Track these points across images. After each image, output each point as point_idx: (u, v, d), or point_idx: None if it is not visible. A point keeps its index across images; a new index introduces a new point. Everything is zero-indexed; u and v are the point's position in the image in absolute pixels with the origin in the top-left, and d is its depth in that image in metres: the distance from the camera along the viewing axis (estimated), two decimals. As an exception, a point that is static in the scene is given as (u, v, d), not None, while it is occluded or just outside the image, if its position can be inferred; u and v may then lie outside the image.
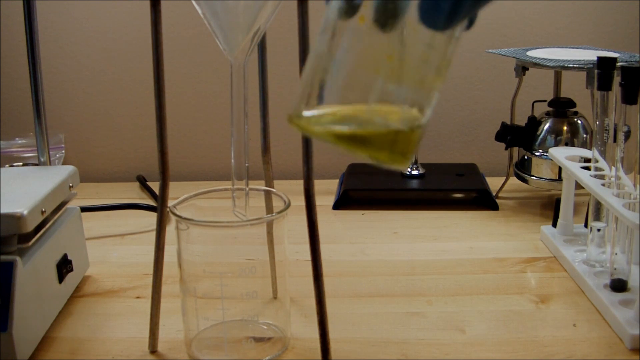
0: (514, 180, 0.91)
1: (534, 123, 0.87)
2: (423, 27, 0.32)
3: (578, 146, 0.85)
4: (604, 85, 0.63)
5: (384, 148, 0.34)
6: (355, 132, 0.34)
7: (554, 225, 0.76)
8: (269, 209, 0.58)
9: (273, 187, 0.59)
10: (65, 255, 0.63)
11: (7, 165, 0.93)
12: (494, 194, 0.91)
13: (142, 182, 1.01)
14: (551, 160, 0.80)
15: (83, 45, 1.03)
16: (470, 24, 0.34)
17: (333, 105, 0.35)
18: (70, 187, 0.64)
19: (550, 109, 0.87)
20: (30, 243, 0.56)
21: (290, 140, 1.06)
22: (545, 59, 0.83)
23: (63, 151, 1.05)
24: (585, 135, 0.85)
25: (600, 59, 0.63)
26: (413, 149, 0.35)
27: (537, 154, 0.86)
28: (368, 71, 0.34)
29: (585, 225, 0.73)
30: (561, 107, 0.86)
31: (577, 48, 0.92)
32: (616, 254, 0.61)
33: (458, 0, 0.32)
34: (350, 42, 0.34)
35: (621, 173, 0.63)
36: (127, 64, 1.04)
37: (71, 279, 0.65)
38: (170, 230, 0.54)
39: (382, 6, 0.33)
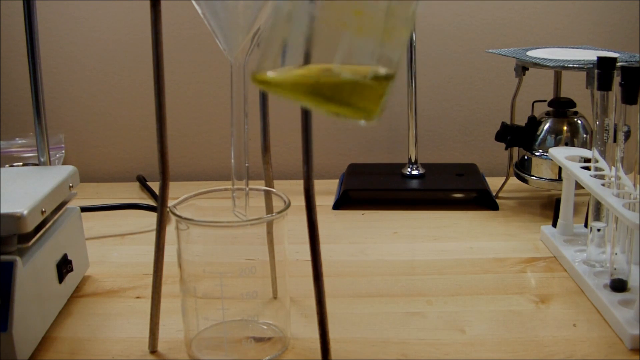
0: (514, 180, 0.91)
1: (534, 123, 0.87)
2: None
3: (578, 146, 0.85)
4: (604, 85, 0.63)
5: (347, 101, 0.33)
6: (316, 82, 0.33)
7: (554, 225, 0.76)
8: (269, 209, 0.58)
9: (273, 187, 0.59)
10: (65, 255, 0.63)
11: (7, 165, 0.93)
12: (494, 194, 0.91)
13: (142, 182, 1.01)
14: (551, 160, 0.80)
15: (83, 45, 1.04)
16: None
17: (297, 65, 0.34)
18: (70, 187, 0.64)
19: (550, 109, 0.87)
20: (30, 243, 0.56)
21: (290, 140, 1.06)
22: (545, 59, 0.83)
23: (63, 151, 1.05)
24: (585, 135, 0.85)
25: (600, 59, 0.63)
26: (378, 103, 0.34)
27: (537, 154, 0.86)
28: (334, 28, 0.33)
29: (585, 225, 0.73)
30: (561, 107, 0.86)
31: (577, 48, 0.92)
32: (616, 254, 0.61)
33: None
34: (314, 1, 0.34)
35: (621, 173, 0.63)
36: (127, 63, 1.04)
37: (71, 279, 0.65)
38: (170, 230, 0.54)
39: None
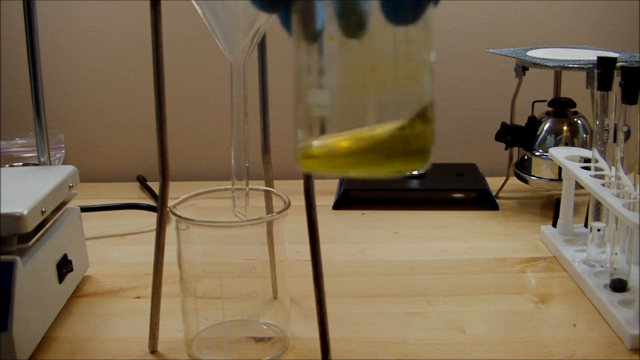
0: (514, 180, 0.91)
1: (534, 123, 0.87)
2: (393, 27, 0.30)
3: (578, 146, 0.85)
4: (604, 85, 0.63)
5: (398, 152, 0.32)
6: (361, 145, 0.32)
7: (554, 225, 0.76)
8: (269, 209, 0.58)
9: (273, 187, 0.59)
10: (65, 255, 0.63)
11: (7, 165, 0.93)
12: (494, 194, 0.91)
13: (142, 182, 1.01)
14: (551, 160, 0.80)
15: (83, 45, 1.04)
16: None
17: (335, 135, 0.33)
18: (70, 187, 0.64)
19: (550, 109, 0.87)
20: (30, 243, 0.56)
21: (290, 140, 1.05)
22: (545, 59, 0.83)
23: (63, 151, 1.05)
24: (585, 135, 0.85)
25: (600, 59, 0.63)
26: (430, 139, 0.32)
27: (537, 154, 0.86)
28: (357, 90, 0.32)
29: (585, 225, 0.73)
30: (561, 107, 0.86)
31: (577, 48, 0.92)
32: (616, 254, 0.61)
33: None
34: (329, 66, 0.33)
35: (621, 173, 0.63)
36: (127, 64, 1.04)
37: (71, 279, 0.65)
38: (170, 230, 0.54)
39: (345, 21, 0.31)
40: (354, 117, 0.32)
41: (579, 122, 0.86)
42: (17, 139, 1.03)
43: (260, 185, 0.58)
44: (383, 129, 0.31)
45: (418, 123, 0.32)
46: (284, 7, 0.33)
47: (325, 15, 0.31)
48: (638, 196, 0.59)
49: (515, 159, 0.91)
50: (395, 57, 0.31)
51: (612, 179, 0.64)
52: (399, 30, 0.30)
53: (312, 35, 0.32)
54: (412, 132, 0.31)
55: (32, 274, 0.55)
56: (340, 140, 0.32)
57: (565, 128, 0.86)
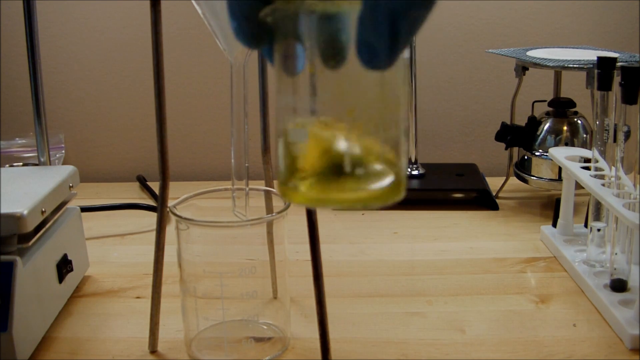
0: (514, 180, 0.91)
1: (534, 123, 0.87)
2: (367, 71, 0.31)
3: (578, 146, 0.85)
4: (604, 85, 0.63)
5: (377, 199, 0.33)
6: (343, 199, 0.33)
7: (554, 225, 0.76)
8: (269, 209, 0.58)
9: (273, 187, 0.59)
10: (65, 255, 0.63)
11: (7, 165, 0.93)
12: (494, 194, 0.91)
13: (142, 182, 1.01)
14: (551, 160, 0.80)
15: (83, 45, 1.04)
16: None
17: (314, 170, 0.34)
18: (70, 187, 0.64)
19: (550, 109, 0.87)
20: (30, 243, 0.56)
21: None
22: (545, 59, 0.83)
23: (63, 151, 1.05)
24: (585, 135, 0.85)
25: (600, 59, 0.63)
26: (404, 171, 0.34)
27: (537, 154, 0.86)
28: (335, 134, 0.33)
29: (585, 225, 0.73)
30: (561, 107, 0.86)
31: (577, 48, 0.92)
32: (616, 254, 0.61)
33: (394, 37, 0.30)
34: (308, 104, 0.34)
35: (621, 173, 0.63)
36: (127, 64, 1.04)
37: (71, 279, 0.65)
38: (170, 230, 0.54)
39: (324, 57, 0.32)
40: (331, 153, 0.33)
41: (579, 122, 0.86)
42: (17, 139, 1.03)
43: (260, 185, 0.58)
44: (358, 168, 0.33)
45: (391, 158, 0.33)
46: (267, 43, 0.34)
47: (305, 54, 0.32)
48: (638, 196, 0.59)
49: (515, 159, 0.91)
50: (371, 99, 0.33)
51: (612, 179, 0.64)
52: (374, 74, 0.31)
53: (292, 72, 0.33)
54: (386, 169, 0.33)
55: (32, 274, 0.55)
56: (319, 181, 0.33)
57: (565, 128, 0.86)
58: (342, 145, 0.33)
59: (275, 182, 0.61)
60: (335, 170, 0.33)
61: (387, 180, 0.33)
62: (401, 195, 0.34)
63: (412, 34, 0.30)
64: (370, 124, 0.33)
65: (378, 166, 0.33)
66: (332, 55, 0.32)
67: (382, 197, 0.33)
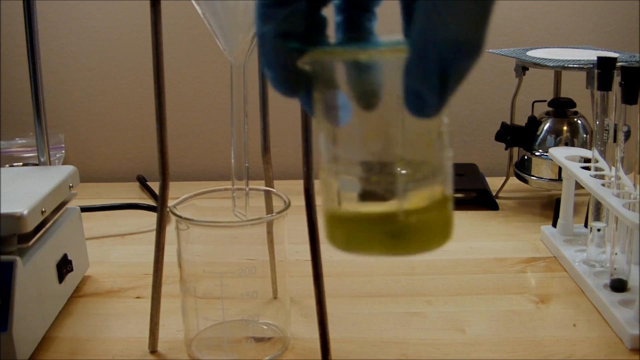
0: (514, 180, 0.91)
1: (534, 123, 0.87)
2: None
3: (578, 146, 0.85)
4: (604, 85, 0.63)
5: (420, 237, 0.33)
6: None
7: (554, 225, 0.76)
8: (269, 209, 0.58)
9: (273, 187, 0.59)
10: (65, 255, 0.63)
11: (7, 165, 0.93)
12: (494, 194, 0.91)
13: (142, 182, 1.01)
14: (551, 160, 0.80)
15: (83, 45, 1.03)
16: None
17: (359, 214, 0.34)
18: (70, 187, 0.64)
19: (550, 109, 0.87)
20: (30, 243, 0.56)
21: (290, 140, 1.06)
22: (545, 59, 0.82)
23: (63, 151, 1.05)
24: (585, 135, 0.85)
25: (600, 59, 0.63)
26: (451, 217, 0.33)
27: (537, 154, 0.86)
28: (378, 173, 0.33)
29: (585, 225, 0.73)
30: (561, 107, 0.86)
31: (577, 48, 0.92)
32: (616, 254, 0.61)
33: (442, 87, 0.29)
34: (350, 150, 0.33)
35: (621, 173, 0.63)
36: (127, 64, 1.04)
37: (71, 279, 0.65)
38: (170, 230, 0.54)
39: (370, 101, 0.32)
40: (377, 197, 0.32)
41: (579, 122, 0.86)
42: (17, 139, 1.03)
43: (260, 185, 0.58)
44: (404, 214, 0.32)
45: (440, 201, 0.32)
46: (305, 90, 0.33)
47: (350, 104, 0.32)
48: (638, 196, 0.59)
49: (515, 159, 0.91)
50: (420, 146, 0.32)
51: (612, 179, 0.64)
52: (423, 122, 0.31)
53: (337, 122, 0.33)
54: (432, 217, 0.32)
55: (32, 274, 0.55)
56: (365, 226, 0.33)
57: (565, 128, 0.86)
58: (392, 194, 0.32)
59: (274, 183, 0.61)
60: (387, 219, 0.32)
61: (437, 226, 0.33)
62: (449, 239, 0.33)
63: (459, 83, 0.30)
64: (418, 171, 0.32)
65: (427, 212, 0.32)
66: (377, 104, 0.31)
67: (432, 245, 0.33)
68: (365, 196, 0.32)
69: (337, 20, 0.34)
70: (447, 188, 0.33)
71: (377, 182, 0.32)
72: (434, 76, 0.29)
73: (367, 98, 0.32)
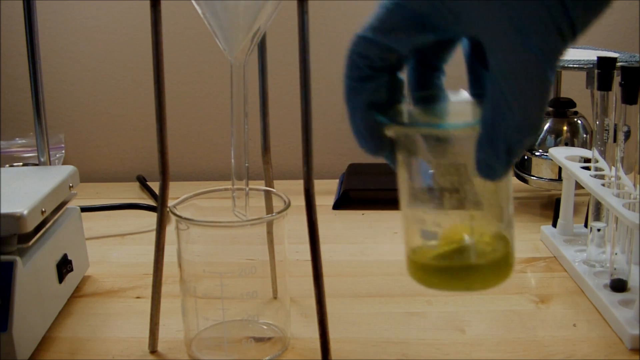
0: (514, 180, 0.90)
1: (534, 123, 0.87)
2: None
3: (578, 146, 0.85)
4: (604, 85, 0.63)
5: (489, 278, 0.40)
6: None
7: (554, 225, 0.76)
8: (269, 209, 0.58)
9: (273, 187, 0.59)
10: (65, 255, 0.63)
11: (7, 165, 0.93)
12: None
13: (142, 182, 1.01)
14: (551, 160, 0.80)
15: (83, 45, 1.04)
16: None
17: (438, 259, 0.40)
18: (70, 187, 0.64)
19: (550, 109, 0.87)
20: (30, 243, 0.56)
21: (290, 140, 1.06)
22: (545, 59, 0.82)
23: (63, 151, 1.05)
24: (585, 135, 0.85)
25: (600, 59, 0.63)
26: (513, 257, 0.39)
27: (537, 154, 0.86)
28: (458, 230, 0.39)
29: (585, 225, 0.73)
30: (561, 107, 0.86)
31: (577, 48, 0.92)
32: (616, 254, 0.61)
33: (507, 158, 0.35)
34: (433, 210, 0.38)
35: (621, 173, 0.63)
36: (127, 64, 1.04)
37: (71, 279, 0.65)
38: (170, 230, 0.54)
39: (447, 168, 0.37)
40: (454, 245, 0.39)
41: (579, 122, 0.86)
42: (17, 139, 1.03)
43: (260, 185, 0.58)
44: (476, 258, 0.39)
45: (505, 244, 0.39)
46: (388, 152, 0.39)
47: (429, 170, 0.37)
48: (638, 196, 0.59)
49: (515, 159, 0.91)
50: (489, 204, 0.38)
51: (612, 179, 0.64)
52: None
53: (419, 184, 0.38)
54: (498, 257, 0.39)
55: (32, 274, 0.55)
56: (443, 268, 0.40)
57: (565, 128, 0.86)
58: (466, 242, 0.38)
59: (274, 183, 0.61)
60: (461, 262, 0.38)
61: (503, 265, 0.39)
62: (511, 275, 0.40)
63: (521, 153, 0.35)
64: (487, 221, 0.38)
65: (495, 254, 0.38)
66: (453, 171, 0.37)
67: (498, 281, 0.40)
68: (442, 243, 0.38)
69: (410, 78, 0.39)
70: (510, 233, 0.38)
71: (452, 231, 0.38)
72: (502, 151, 0.34)
73: (447, 166, 0.37)
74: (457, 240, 0.38)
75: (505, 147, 0.34)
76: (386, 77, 0.37)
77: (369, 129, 0.38)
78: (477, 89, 0.37)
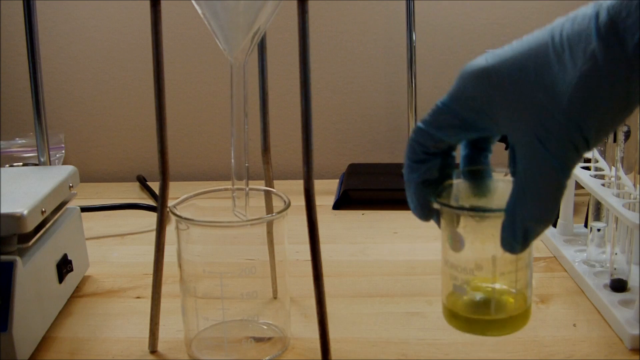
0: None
1: (534, 123, 0.87)
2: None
3: (578, 146, 0.84)
4: (604, 85, 0.63)
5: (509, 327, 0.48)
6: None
7: (554, 225, 0.76)
8: (269, 209, 0.58)
9: (273, 187, 0.59)
10: (65, 255, 0.63)
11: (7, 165, 0.93)
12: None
13: (142, 182, 1.01)
14: (551, 160, 0.80)
15: (83, 45, 1.04)
16: None
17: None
18: (70, 187, 0.64)
19: (550, 109, 0.87)
20: (30, 243, 0.56)
21: (290, 140, 1.06)
22: (545, 59, 0.82)
23: (63, 151, 1.05)
24: (585, 135, 0.85)
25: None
26: (530, 310, 0.49)
27: (537, 154, 0.86)
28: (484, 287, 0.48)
29: (585, 225, 0.73)
30: (561, 107, 0.86)
31: (577, 48, 0.92)
32: (616, 254, 0.61)
33: (525, 239, 0.42)
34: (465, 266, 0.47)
35: (621, 173, 0.63)
36: (127, 64, 1.04)
37: (71, 279, 0.65)
38: (170, 230, 0.54)
39: (480, 240, 0.46)
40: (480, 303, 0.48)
41: (579, 122, 0.86)
42: (17, 139, 1.03)
43: (260, 185, 0.58)
44: (497, 312, 0.47)
45: (524, 300, 0.48)
46: (435, 218, 0.46)
47: (461, 236, 0.45)
48: (638, 196, 0.59)
49: (515, 159, 0.91)
50: (511, 264, 0.47)
51: (612, 179, 0.64)
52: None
53: (456, 249, 0.46)
54: (516, 312, 0.48)
55: (32, 274, 0.55)
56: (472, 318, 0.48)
57: (565, 128, 0.85)
58: (492, 298, 0.47)
59: (274, 183, 0.61)
60: (483, 315, 0.47)
61: (519, 318, 0.48)
62: (528, 322, 0.48)
63: (537, 237, 0.42)
64: (509, 283, 0.47)
65: (513, 310, 0.48)
66: (483, 244, 0.45)
67: (517, 329, 0.47)
68: (469, 297, 0.47)
69: (462, 155, 0.48)
70: (528, 291, 0.48)
71: (479, 288, 0.47)
72: (520, 234, 0.42)
73: (476, 238, 0.46)
74: (482, 296, 0.47)
75: (522, 232, 0.42)
76: (439, 160, 0.45)
77: (420, 201, 0.45)
78: (515, 168, 0.44)
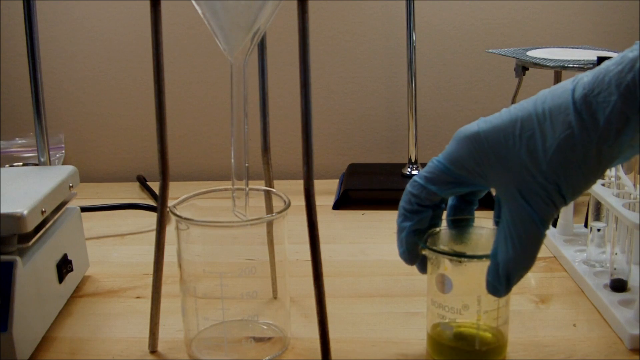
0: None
1: (534, 123, 0.87)
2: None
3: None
4: (604, 85, 0.63)
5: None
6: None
7: (554, 225, 0.76)
8: (269, 209, 0.58)
9: (273, 187, 0.59)
10: (65, 255, 0.63)
11: (7, 165, 0.93)
12: (494, 193, 0.91)
13: (142, 182, 1.01)
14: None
15: (83, 45, 1.04)
16: None
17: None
18: (70, 187, 0.64)
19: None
20: (30, 243, 0.56)
21: (290, 140, 1.06)
22: (545, 59, 0.82)
23: (63, 151, 1.05)
24: (585, 135, 0.85)
25: (600, 59, 0.63)
26: (507, 343, 0.55)
27: (537, 154, 0.86)
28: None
29: (585, 225, 0.73)
30: (561, 107, 0.86)
31: (577, 48, 0.92)
32: (616, 254, 0.61)
33: (508, 284, 0.48)
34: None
35: (621, 173, 0.63)
36: (127, 64, 1.04)
37: (71, 279, 0.65)
38: (170, 230, 0.54)
39: (467, 284, 0.52)
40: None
41: (579, 122, 0.86)
42: (17, 139, 1.03)
43: (260, 185, 0.58)
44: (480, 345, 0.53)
45: (502, 336, 0.54)
46: (421, 263, 0.53)
47: (449, 279, 0.51)
48: (638, 196, 0.59)
49: (515, 159, 0.91)
50: (493, 307, 0.52)
51: (612, 179, 0.64)
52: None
53: (442, 291, 0.52)
54: (495, 346, 0.53)
55: (32, 274, 0.55)
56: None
57: (565, 128, 0.85)
58: (473, 334, 0.53)
59: (274, 183, 0.61)
60: (468, 348, 0.53)
61: (498, 351, 0.53)
62: (505, 354, 0.54)
63: (518, 281, 0.48)
64: (491, 320, 0.52)
65: (494, 342, 0.53)
66: (468, 287, 0.51)
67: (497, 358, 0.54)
68: (455, 335, 0.53)
69: (450, 203, 0.54)
70: (505, 328, 0.53)
71: (463, 326, 0.53)
72: (503, 277, 0.48)
73: (461, 282, 0.51)
74: (466, 332, 0.53)
75: (505, 276, 0.47)
76: (430, 212, 0.51)
77: (408, 246, 0.51)
78: (499, 219, 0.49)
